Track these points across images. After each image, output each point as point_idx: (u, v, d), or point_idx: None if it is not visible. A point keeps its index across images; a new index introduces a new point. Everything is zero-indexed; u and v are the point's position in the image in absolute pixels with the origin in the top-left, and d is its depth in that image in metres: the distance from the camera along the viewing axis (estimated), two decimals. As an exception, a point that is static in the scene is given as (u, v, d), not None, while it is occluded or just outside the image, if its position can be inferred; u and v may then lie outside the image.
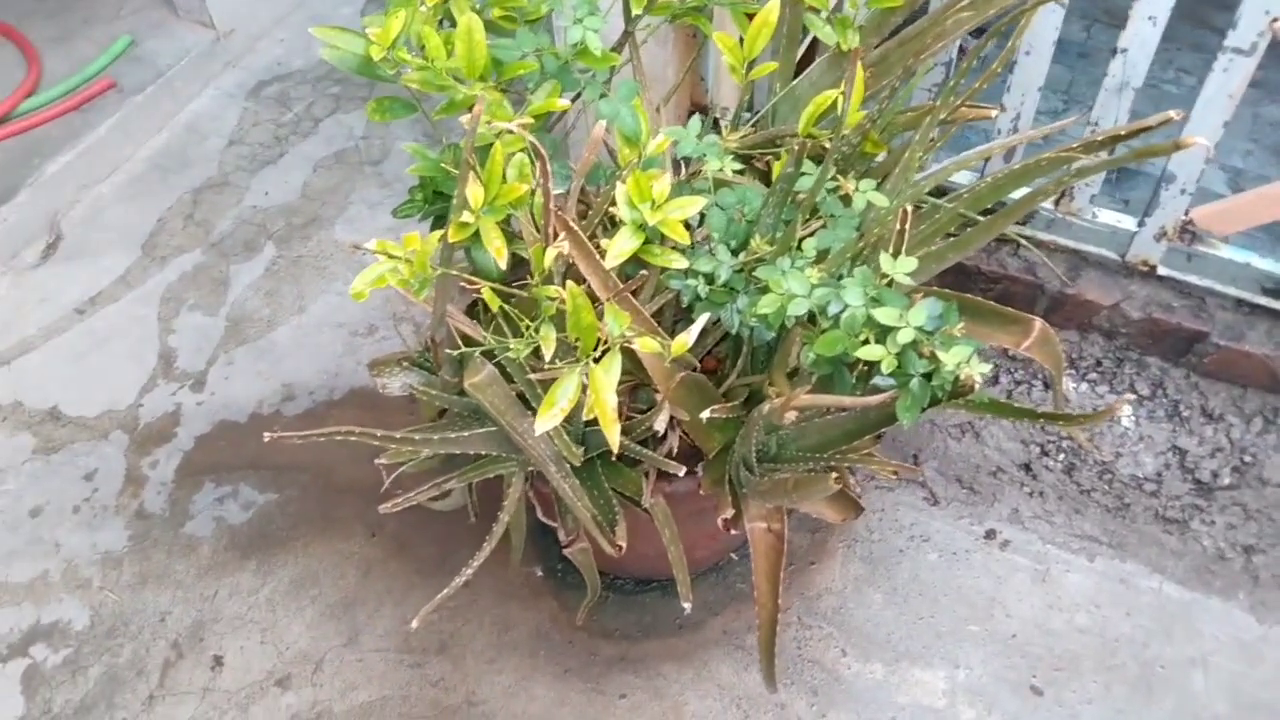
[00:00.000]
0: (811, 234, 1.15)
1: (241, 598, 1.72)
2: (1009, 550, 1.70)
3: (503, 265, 1.03)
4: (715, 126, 1.50)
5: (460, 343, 1.17)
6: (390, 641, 1.65)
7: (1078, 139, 1.21)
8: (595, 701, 1.58)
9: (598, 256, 1.04)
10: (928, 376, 0.87)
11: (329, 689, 1.61)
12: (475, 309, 1.30)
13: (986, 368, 0.85)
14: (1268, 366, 1.61)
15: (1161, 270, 1.62)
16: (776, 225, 1.16)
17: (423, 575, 1.72)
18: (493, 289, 1.00)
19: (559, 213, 0.99)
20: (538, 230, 1.07)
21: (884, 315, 0.88)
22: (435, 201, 1.24)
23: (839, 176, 1.16)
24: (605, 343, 0.96)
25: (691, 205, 1.09)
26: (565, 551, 1.28)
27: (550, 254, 0.97)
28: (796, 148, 1.06)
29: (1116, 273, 1.67)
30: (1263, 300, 1.58)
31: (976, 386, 0.83)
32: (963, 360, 0.85)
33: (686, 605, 1.25)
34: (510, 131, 1.08)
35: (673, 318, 1.25)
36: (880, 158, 1.33)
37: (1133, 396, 1.67)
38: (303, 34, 2.71)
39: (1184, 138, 1.09)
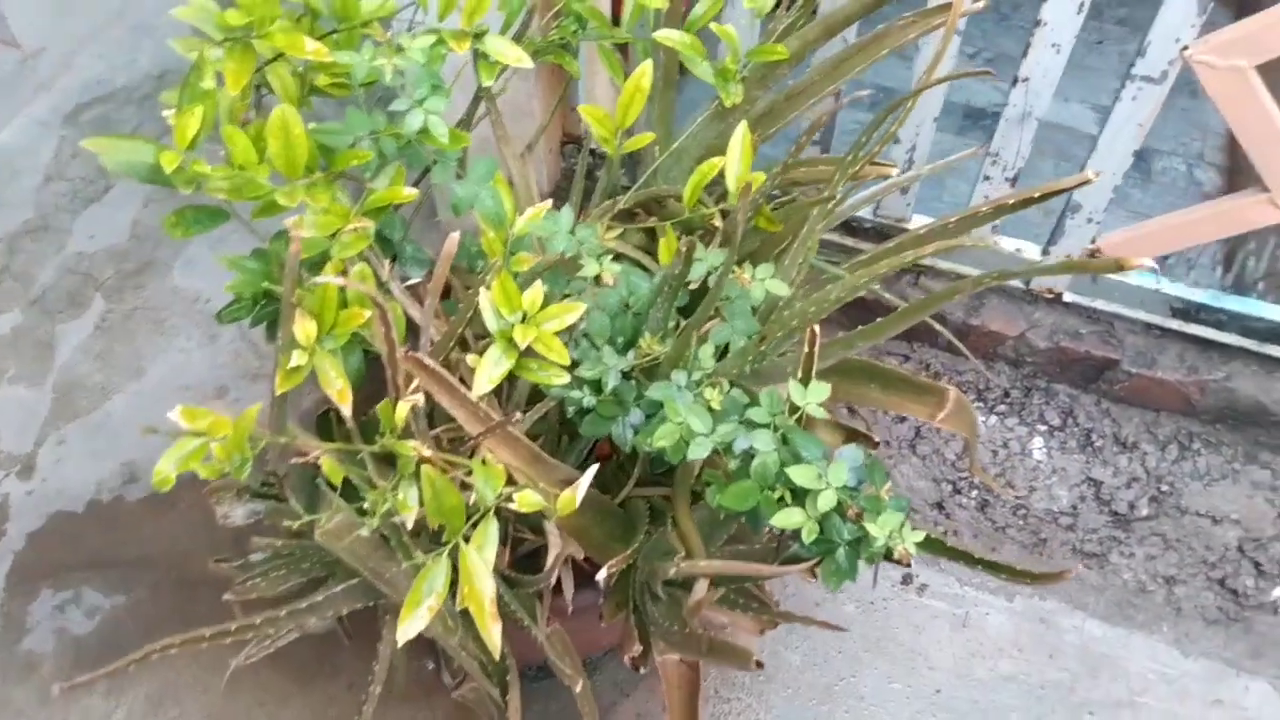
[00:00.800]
0: (704, 331, 1.02)
1: (91, 724, 1.52)
2: (926, 595, 1.62)
3: (346, 410, 0.86)
4: (589, 182, 1.34)
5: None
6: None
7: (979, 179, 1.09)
8: None
9: (463, 390, 0.88)
10: (855, 543, 0.75)
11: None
12: (328, 422, 1.13)
13: (920, 536, 0.72)
14: (1180, 391, 1.55)
15: (1068, 297, 1.54)
16: (667, 318, 1.02)
17: (300, 681, 1.55)
18: (336, 452, 0.83)
19: (410, 355, 0.83)
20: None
21: (800, 476, 0.75)
22: (268, 303, 1.06)
23: (735, 267, 1.02)
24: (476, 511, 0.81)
25: (569, 314, 0.94)
26: (454, 695, 1.13)
27: (402, 409, 0.80)
28: (684, 247, 0.91)
29: (1021, 300, 1.58)
30: (1173, 324, 1.52)
31: (911, 562, 0.71)
32: (894, 529, 0.72)
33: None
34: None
35: (558, 431, 1.10)
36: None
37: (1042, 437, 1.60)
38: (125, 46, 2.42)
39: (1088, 173, 0.99)
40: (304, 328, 0.83)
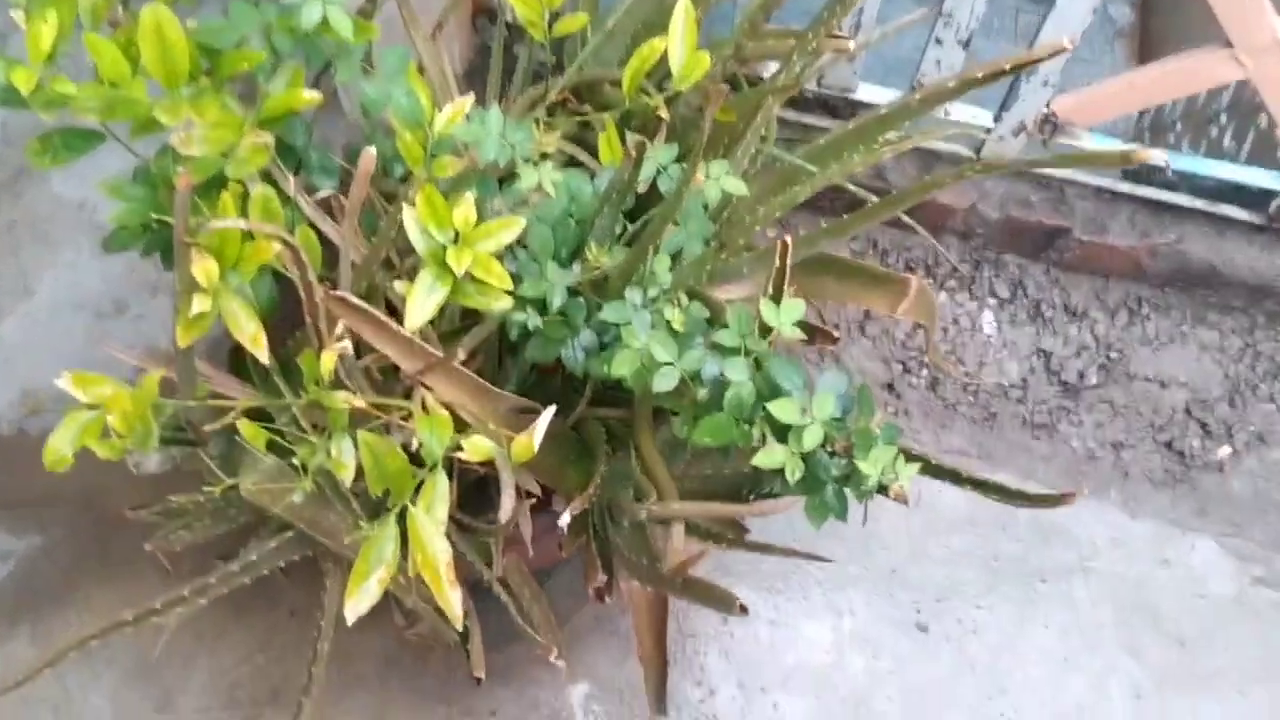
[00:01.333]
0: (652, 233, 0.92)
1: (20, 673, 1.43)
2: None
3: (263, 356, 0.76)
4: (507, 60, 1.22)
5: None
6: (212, 699, 1.42)
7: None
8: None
9: (395, 326, 0.79)
10: (843, 479, 0.69)
11: (148, 764, 1.38)
12: (242, 362, 1.02)
13: (914, 469, 0.67)
14: (1131, 256, 1.51)
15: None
16: (614, 224, 0.92)
17: (237, 614, 1.47)
18: (255, 409, 0.74)
19: (331, 294, 0.72)
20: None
21: (781, 411, 0.67)
22: (160, 228, 0.93)
23: (682, 161, 0.92)
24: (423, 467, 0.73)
25: (507, 230, 0.84)
26: (406, 634, 1.07)
27: (326, 360, 0.70)
28: (633, 149, 0.81)
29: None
30: (1124, 186, 1.47)
31: (908, 501, 0.65)
32: (886, 465, 0.66)
33: (560, 663, 1.07)
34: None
35: (497, 349, 1.01)
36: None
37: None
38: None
39: (1062, 40, 0.91)
40: (204, 268, 0.72)
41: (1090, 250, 1.52)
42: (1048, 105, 1.38)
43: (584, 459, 1.02)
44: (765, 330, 0.76)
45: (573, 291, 0.92)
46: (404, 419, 0.79)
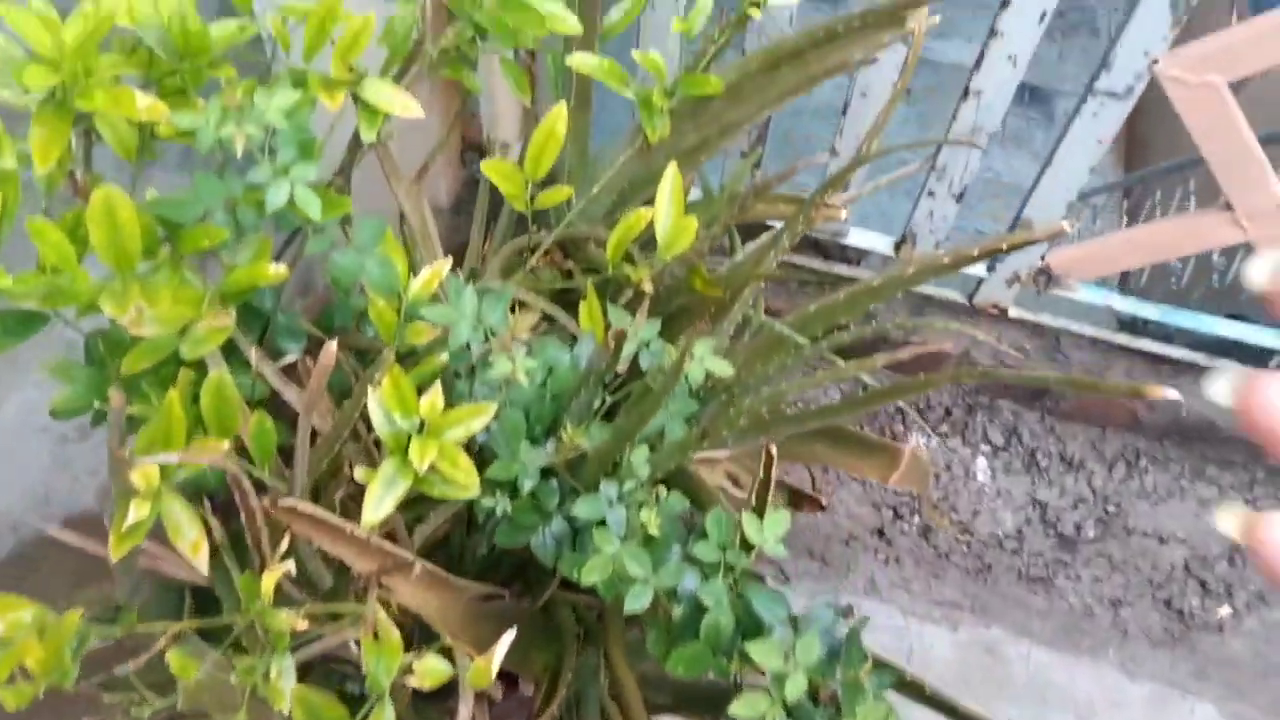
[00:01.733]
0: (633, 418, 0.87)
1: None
2: (867, 630, 1.53)
3: (203, 567, 0.70)
4: (493, 219, 1.18)
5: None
6: None
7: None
8: None
9: (349, 528, 0.73)
10: (831, 725, 0.63)
11: None
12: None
13: (912, 724, 0.61)
14: (1127, 407, 1.47)
15: (1013, 312, 1.44)
16: (592, 402, 0.88)
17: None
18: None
19: (278, 507, 0.67)
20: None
21: (762, 654, 0.62)
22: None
23: (666, 342, 0.88)
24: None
25: (477, 418, 0.79)
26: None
27: (268, 581, 0.65)
28: (613, 340, 0.76)
29: (963, 316, 1.48)
30: (1120, 338, 1.43)
31: (904, 763, 0.59)
32: None
33: None
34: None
35: (464, 531, 0.95)
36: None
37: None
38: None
39: (1063, 224, 0.88)
40: (144, 474, 0.67)
41: (1086, 401, 1.48)
42: (1043, 259, 1.35)
43: (553, 642, 0.96)
44: (747, 544, 0.70)
45: (547, 472, 0.87)
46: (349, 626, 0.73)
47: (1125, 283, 1.63)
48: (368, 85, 0.81)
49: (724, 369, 0.87)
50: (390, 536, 0.92)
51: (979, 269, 1.40)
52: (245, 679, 0.66)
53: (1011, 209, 1.32)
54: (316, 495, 0.89)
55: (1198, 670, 1.50)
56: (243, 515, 0.68)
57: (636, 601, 0.70)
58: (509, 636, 0.69)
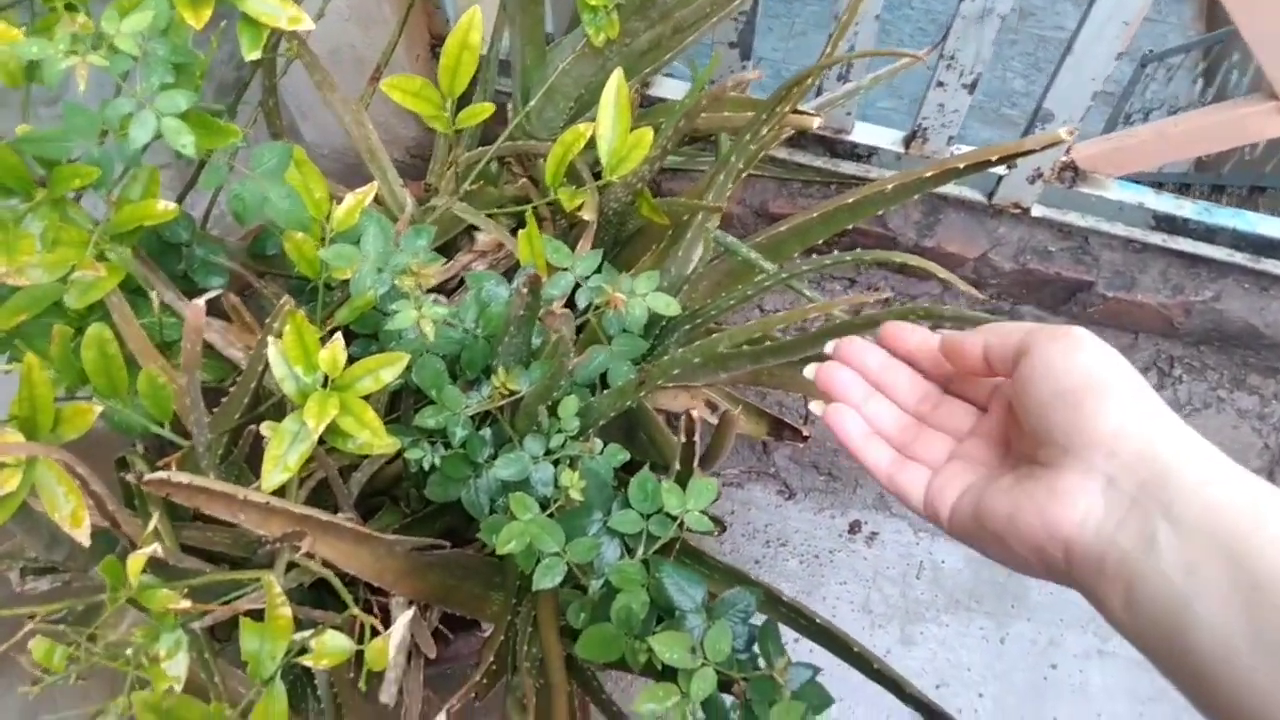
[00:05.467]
0: (574, 364, 0.80)
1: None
2: (876, 545, 1.47)
3: (83, 539, 0.65)
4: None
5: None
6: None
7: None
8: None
9: (243, 494, 0.68)
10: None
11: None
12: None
13: (828, 727, 0.54)
14: (1162, 314, 1.35)
15: (1036, 211, 1.32)
16: (528, 343, 0.80)
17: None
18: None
19: (151, 479, 0.61)
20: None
21: (667, 648, 0.55)
22: None
23: (606, 276, 0.79)
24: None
25: (387, 367, 0.72)
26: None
27: (135, 564, 0.60)
28: (525, 287, 0.68)
29: (983, 215, 1.36)
30: (1156, 238, 1.30)
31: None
32: (792, 722, 0.54)
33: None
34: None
35: (410, 488, 0.90)
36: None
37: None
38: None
39: (1060, 131, 0.77)
40: (6, 439, 0.62)
41: (1117, 306, 1.36)
42: (1067, 153, 1.22)
43: (503, 582, 0.91)
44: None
45: (486, 419, 0.80)
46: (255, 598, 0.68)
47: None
48: (249, -3, 0.72)
49: (670, 307, 0.79)
50: (322, 486, 0.87)
51: (998, 169, 1.27)
52: (122, 665, 0.62)
53: (1032, 101, 1.18)
54: (236, 445, 0.83)
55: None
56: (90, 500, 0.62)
57: (545, 577, 0.63)
58: (403, 620, 0.63)
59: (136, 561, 0.59)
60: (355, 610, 0.68)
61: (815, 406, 0.55)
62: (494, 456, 0.78)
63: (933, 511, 0.51)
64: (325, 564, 0.76)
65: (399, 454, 0.91)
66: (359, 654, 0.65)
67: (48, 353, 0.73)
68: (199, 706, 0.55)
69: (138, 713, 0.55)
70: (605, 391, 0.80)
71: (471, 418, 0.79)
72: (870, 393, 0.55)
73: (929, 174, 0.83)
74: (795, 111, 0.87)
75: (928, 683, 1.42)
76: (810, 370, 0.56)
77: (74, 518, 0.65)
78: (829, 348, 0.57)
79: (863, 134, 1.29)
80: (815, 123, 0.86)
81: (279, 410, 0.86)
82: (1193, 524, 0.39)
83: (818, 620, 0.73)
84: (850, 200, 0.86)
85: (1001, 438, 0.52)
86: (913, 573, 1.46)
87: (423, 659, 0.82)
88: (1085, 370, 0.44)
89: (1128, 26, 1.04)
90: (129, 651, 0.64)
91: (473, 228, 1.05)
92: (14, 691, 1.40)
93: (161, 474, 0.61)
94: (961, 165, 0.82)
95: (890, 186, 0.85)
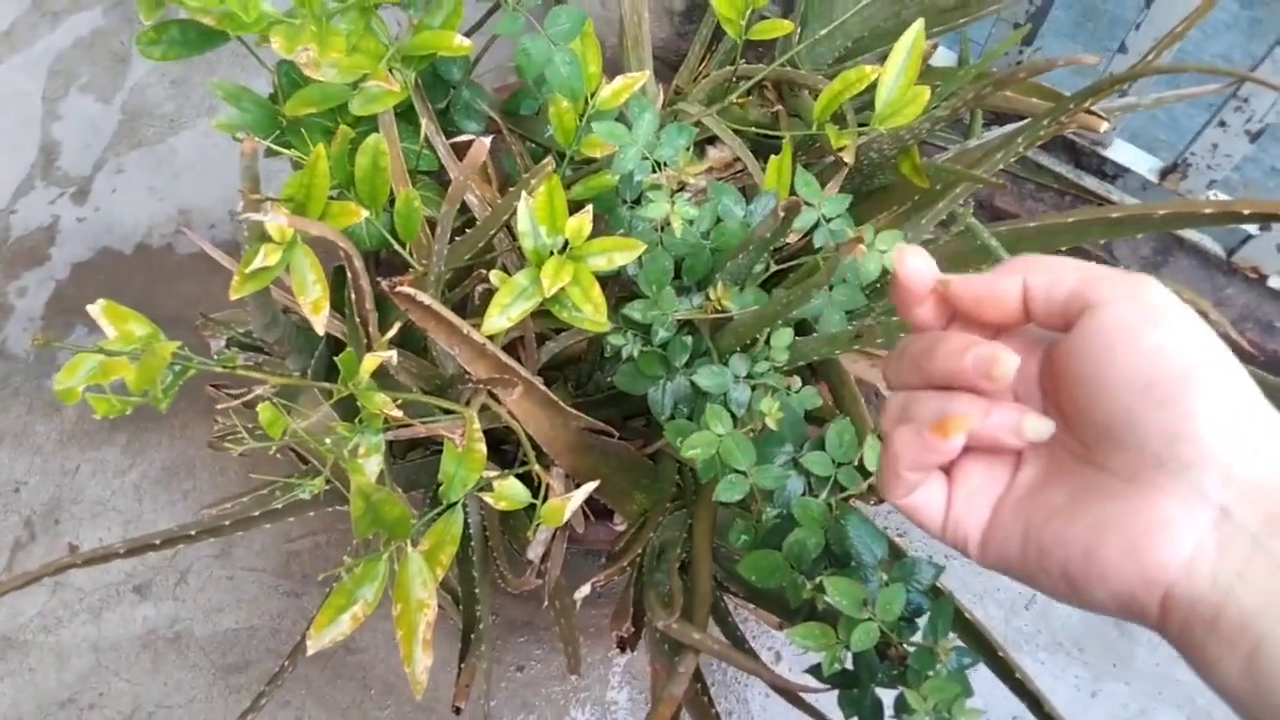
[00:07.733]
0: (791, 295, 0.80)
1: (106, 479, 1.49)
2: (995, 563, 1.45)
3: (319, 327, 0.69)
4: (717, 38, 1.08)
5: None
6: (267, 562, 1.44)
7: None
8: (493, 670, 1.39)
9: (466, 329, 0.70)
10: (891, 681, 0.57)
11: (192, 605, 1.42)
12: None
13: None
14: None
15: (1274, 281, 1.24)
16: (753, 265, 0.80)
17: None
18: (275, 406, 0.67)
19: (399, 289, 0.64)
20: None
21: (839, 592, 0.56)
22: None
23: (848, 221, 0.78)
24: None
25: (622, 252, 0.74)
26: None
27: (367, 365, 0.63)
28: (782, 210, 0.68)
29: (1215, 269, 1.29)
30: (1393, 344, 1.22)
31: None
32: (943, 702, 0.54)
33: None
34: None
35: (591, 367, 0.91)
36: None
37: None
38: None
39: None
40: (277, 226, 0.65)
41: None
42: (1332, 230, 1.14)
43: (652, 490, 0.93)
44: (866, 471, 0.63)
45: (687, 326, 0.81)
46: (444, 433, 0.71)
47: None
48: None
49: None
50: (515, 345, 0.90)
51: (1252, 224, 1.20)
52: (327, 453, 0.66)
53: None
54: (455, 285, 0.86)
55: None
56: (352, 293, 0.66)
57: (728, 492, 0.64)
58: (585, 491, 0.65)
59: (371, 361, 0.62)
60: (535, 467, 0.71)
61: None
62: (689, 364, 0.79)
63: (958, 538, 0.38)
64: (511, 416, 0.78)
65: (591, 337, 0.93)
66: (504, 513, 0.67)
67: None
68: (399, 505, 0.58)
69: (352, 495, 0.59)
70: (815, 335, 0.79)
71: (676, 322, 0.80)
72: None
73: (1207, 211, 0.79)
74: (1088, 111, 0.83)
75: (1004, 712, 1.40)
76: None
77: (316, 305, 0.68)
78: None
79: (1120, 152, 1.23)
80: (1104, 126, 0.83)
81: (519, 260, 0.88)
82: None
83: (965, 615, 0.73)
84: (1114, 215, 0.83)
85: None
86: (1023, 602, 1.44)
87: (567, 531, 0.85)
88: (1178, 350, 0.32)
89: None
90: (328, 441, 0.68)
91: (707, 141, 1.05)
92: (189, 468, 1.50)
93: (410, 289, 0.64)
94: (1246, 211, 0.78)
95: (1160, 213, 0.82)
